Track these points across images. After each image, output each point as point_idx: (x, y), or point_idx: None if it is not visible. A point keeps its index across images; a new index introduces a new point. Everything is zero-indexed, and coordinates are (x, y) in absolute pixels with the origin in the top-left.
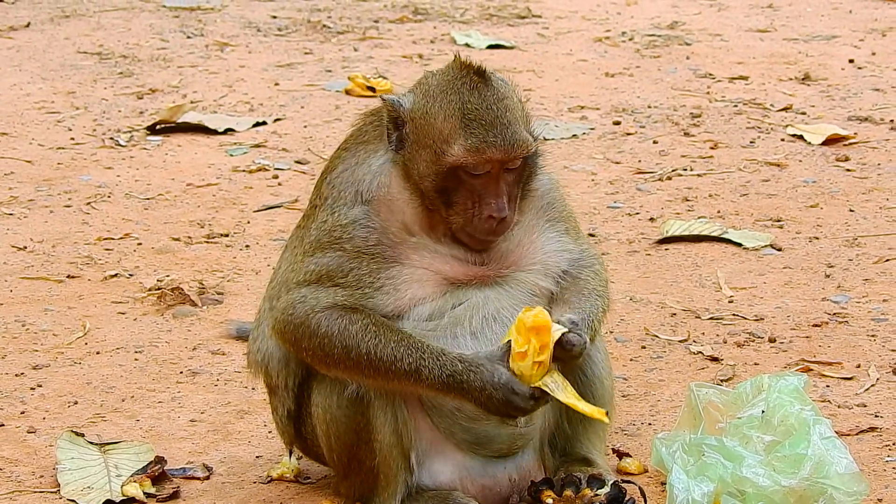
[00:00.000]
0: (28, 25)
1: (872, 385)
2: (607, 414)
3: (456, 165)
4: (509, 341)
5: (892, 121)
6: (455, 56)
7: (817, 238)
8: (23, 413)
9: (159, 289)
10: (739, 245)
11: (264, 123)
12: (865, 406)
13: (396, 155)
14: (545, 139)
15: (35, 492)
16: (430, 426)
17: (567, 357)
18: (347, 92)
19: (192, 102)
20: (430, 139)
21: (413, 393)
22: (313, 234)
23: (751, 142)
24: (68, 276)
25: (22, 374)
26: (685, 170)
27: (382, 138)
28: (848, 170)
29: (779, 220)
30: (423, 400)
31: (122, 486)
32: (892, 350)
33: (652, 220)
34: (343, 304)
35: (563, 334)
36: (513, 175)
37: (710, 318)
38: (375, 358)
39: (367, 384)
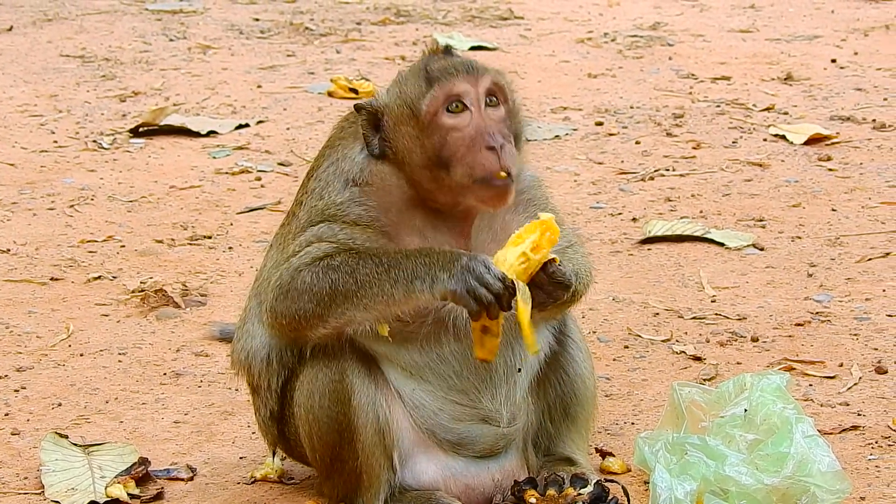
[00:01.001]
0: (10, 29)
1: (855, 384)
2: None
3: (434, 110)
4: None
5: (874, 120)
6: (429, 46)
7: (800, 237)
8: (7, 415)
9: (143, 291)
10: (722, 245)
11: (247, 126)
12: (848, 405)
13: (379, 153)
14: (528, 140)
15: (19, 493)
16: (413, 426)
17: (550, 284)
18: (330, 94)
19: (174, 105)
20: (405, 111)
21: (407, 306)
22: (303, 219)
23: (733, 142)
24: (52, 279)
25: (6, 376)
26: (668, 170)
27: (360, 136)
28: (830, 169)
29: (761, 220)
30: (405, 398)
31: (106, 488)
32: (875, 349)
33: (634, 220)
34: (324, 254)
35: (553, 260)
36: (496, 114)
37: (693, 318)
38: (360, 275)
39: (363, 318)
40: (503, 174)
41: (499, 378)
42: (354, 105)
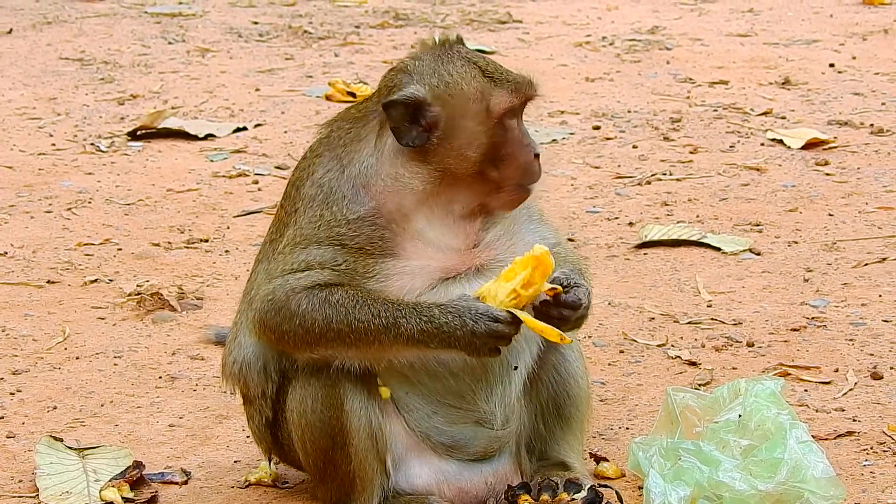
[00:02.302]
0: (10, 32)
1: (850, 389)
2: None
3: (502, 111)
4: None
5: (871, 125)
6: (427, 40)
7: (796, 242)
8: (2, 418)
9: (139, 294)
10: (718, 249)
11: (245, 129)
12: (843, 410)
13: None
14: None
15: (14, 496)
16: (406, 430)
17: (570, 312)
18: (328, 97)
19: (172, 108)
20: (465, 106)
21: (400, 356)
22: (306, 230)
23: (730, 146)
24: (48, 282)
25: (1, 379)
26: (664, 174)
27: (363, 139)
28: (827, 174)
29: (758, 225)
30: (398, 404)
31: (100, 491)
32: (871, 354)
33: (631, 224)
34: (325, 282)
35: (565, 289)
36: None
37: (689, 323)
38: (355, 320)
39: (351, 356)
40: (538, 179)
41: (494, 377)
42: (384, 102)
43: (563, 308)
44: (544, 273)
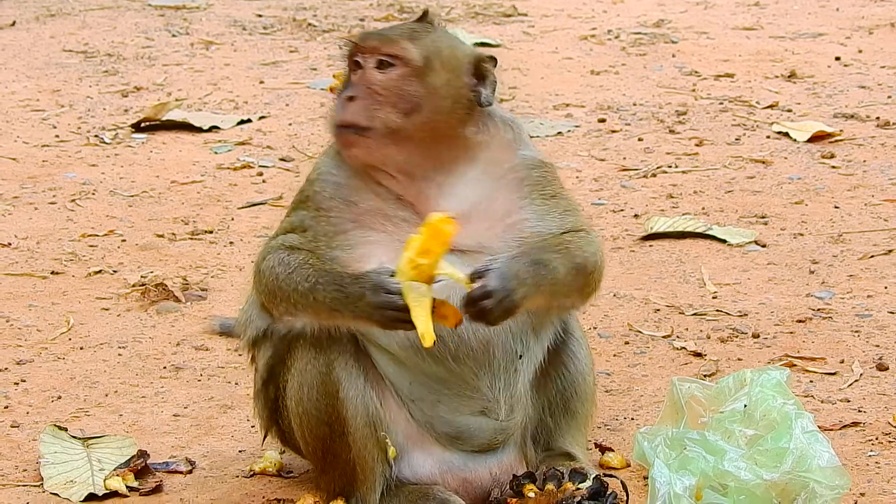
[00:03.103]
0: (13, 24)
1: (856, 380)
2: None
3: (345, 55)
4: None
5: (877, 118)
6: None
7: (802, 234)
8: (6, 408)
9: (143, 285)
10: (724, 241)
11: (249, 121)
12: (849, 401)
13: None
14: (530, 136)
15: (18, 485)
16: (409, 420)
17: (476, 316)
18: (332, 90)
19: (176, 100)
20: None
21: (334, 322)
22: (293, 199)
23: (736, 139)
24: (52, 273)
25: (6, 369)
26: (670, 167)
27: None
28: (833, 167)
29: (763, 217)
30: (401, 393)
31: (104, 480)
32: (876, 346)
33: (636, 216)
34: (290, 245)
35: (469, 291)
36: (386, 77)
37: (694, 314)
38: (292, 282)
39: (305, 319)
40: (337, 121)
41: (498, 364)
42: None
43: (474, 302)
44: (443, 241)
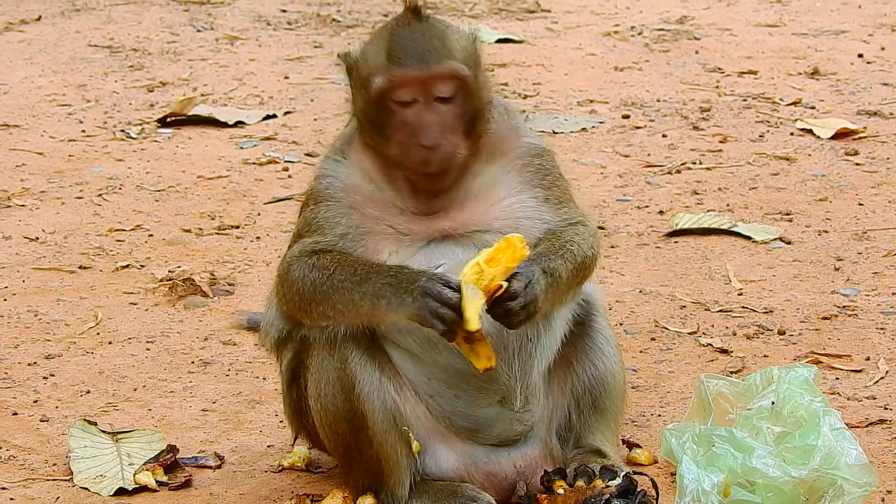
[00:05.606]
0: (39, 19)
1: (882, 378)
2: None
3: (381, 93)
4: None
5: None
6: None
7: (826, 231)
8: (36, 402)
9: (171, 280)
10: (749, 238)
11: (274, 116)
12: (875, 398)
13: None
14: (554, 132)
15: (48, 480)
16: (427, 414)
17: (503, 313)
18: None
19: (202, 95)
20: (363, 76)
21: (377, 318)
22: (304, 202)
23: (760, 136)
24: (80, 267)
25: (35, 363)
26: (694, 163)
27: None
28: (857, 164)
29: (788, 214)
30: (419, 389)
31: (134, 475)
32: None
33: (661, 213)
34: (313, 249)
35: (501, 286)
36: (449, 107)
37: (720, 311)
38: (336, 280)
39: (342, 319)
40: (431, 170)
41: (512, 349)
42: (338, 53)
43: (501, 306)
44: (513, 256)
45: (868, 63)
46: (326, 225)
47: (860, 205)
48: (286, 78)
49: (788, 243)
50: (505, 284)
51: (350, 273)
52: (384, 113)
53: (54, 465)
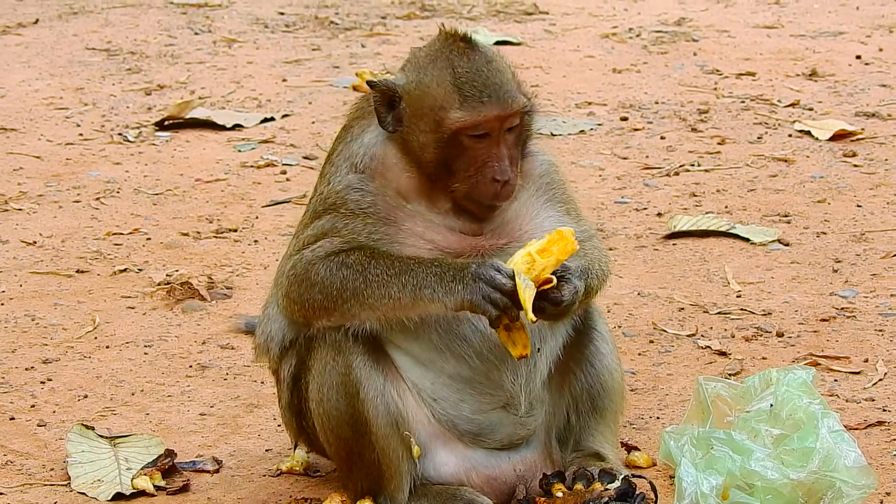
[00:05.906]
0: (36, 22)
1: (880, 379)
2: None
3: (457, 130)
4: None
5: None
6: (440, 28)
7: (825, 233)
8: (33, 406)
9: (168, 283)
10: (747, 240)
11: (272, 119)
12: (873, 400)
13: (393, 131)
14: (553, 134)
15: (45, 485)
16: (430, 419)
17: (552, 309)
18: (355, 88)
19: (200, 98)
20: (427, 109)
21: (414, 309)
22: (311, 207)
23: (758, 137)
24: (77, 271)
25: (32, 367)
26: (693, 165)
27: (364, 118)
28: (855, 165)
29: (786, 216)
30: (423, 393)
31: (132, 480)
32: None
33: (659, 215)
34: (340, 248)
35: (551, 280)
36: (512, 136)
37: (718, 313)
38: (371, 275)
39: (368, 315)
40: (500, 202)
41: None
42: (368, 81)
43: (544, 300)
44: (565, 249)
45: (866, 64)
46: (355, 232)
47: (858, 206)
48: (284, 81)
49: (787, 245)
50: (554, 279)
51: (387, 266)
52: (454, 146)
53: (52, 470)
